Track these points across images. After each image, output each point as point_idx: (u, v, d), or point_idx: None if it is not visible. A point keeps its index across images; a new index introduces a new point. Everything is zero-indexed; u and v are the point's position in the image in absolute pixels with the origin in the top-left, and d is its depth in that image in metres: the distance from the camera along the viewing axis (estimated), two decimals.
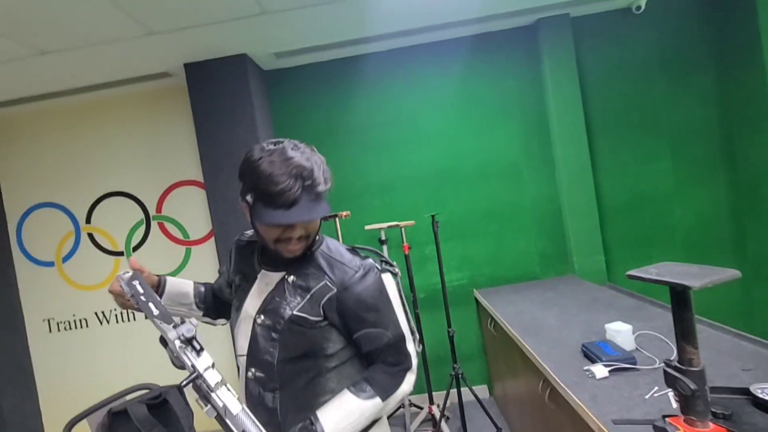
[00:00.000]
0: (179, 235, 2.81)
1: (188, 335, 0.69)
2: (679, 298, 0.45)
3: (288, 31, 2.17)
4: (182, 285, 1.06)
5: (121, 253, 2.83)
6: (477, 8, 2.27)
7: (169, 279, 1.03)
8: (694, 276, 0.43)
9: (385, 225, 2.26)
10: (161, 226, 2.82)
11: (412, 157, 2.66)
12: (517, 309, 2.10)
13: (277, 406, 0.87)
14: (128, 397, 1.18)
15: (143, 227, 2.82)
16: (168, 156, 2.76)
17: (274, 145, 0.82)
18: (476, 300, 2.61)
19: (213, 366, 0.69)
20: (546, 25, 2.51)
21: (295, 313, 0.85)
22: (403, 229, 2.29)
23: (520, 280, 2.66)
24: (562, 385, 1.27)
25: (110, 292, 0.88)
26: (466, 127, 2.66)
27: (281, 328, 0.85)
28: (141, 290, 0.79)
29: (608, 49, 2.61)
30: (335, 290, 0.86)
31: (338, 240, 2.24)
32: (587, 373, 1.30)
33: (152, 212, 2.81)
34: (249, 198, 0.80)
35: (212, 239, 2.72)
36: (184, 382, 0.67)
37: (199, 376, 0.66)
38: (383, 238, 2.28)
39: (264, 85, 2.62)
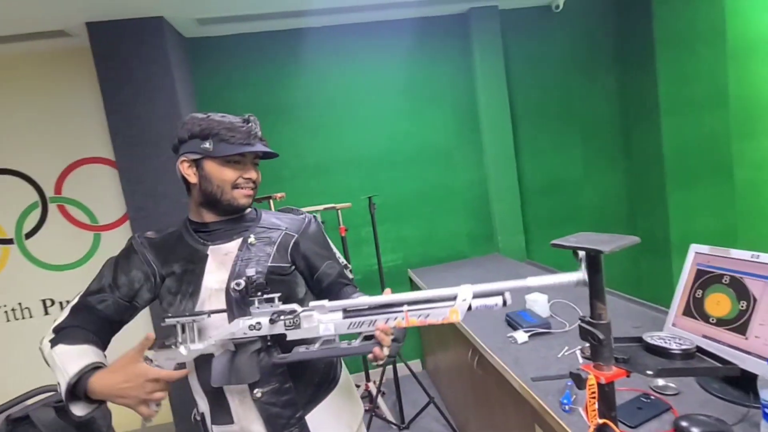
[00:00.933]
0: (85, 220, 2.50)
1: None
2: (593, 261, 0.51)
3: None
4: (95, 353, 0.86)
5: (10, 241, 2.45)
6: None
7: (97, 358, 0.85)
8: (605, 242, 0.49)
9: (321, 207, 2.23)
10: (62, 210, 2.48)
11: (349, 139, 2.64)
12: (448, 285, 2.20)
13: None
14: (32, 401, 1.06)
15: (38, 211, 2.46)
16: (69, 129, 2.42)
17: (211, 113, 0.91)
18: (410, 279, 2.71)
19: None
20: (477, 15, 2.61)
21: (270, 264, 0.91)
22: (339, 211, 2.28)
23: (451, 259, 2.81)
24: (489, 351, 1.39)
25: (168, 379, 0.78)
26: (402, 110, 2.69)
27: (265, 281, 0.89)
28: (179, 339, 0.80)
29: (531, 43, 2.80)
30: (296, 236, 0.98)
31: None
32: (510, 339, 1.42)
33: (49, 194, 2.46)
34: (207, 145, 0.86)
35: (127, 224, 2.46)
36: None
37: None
38: (320, 220, 2.25)
39: (185, 55, 2.40)
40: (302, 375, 0.94)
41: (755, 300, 0.93)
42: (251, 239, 0.93)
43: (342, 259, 1.09)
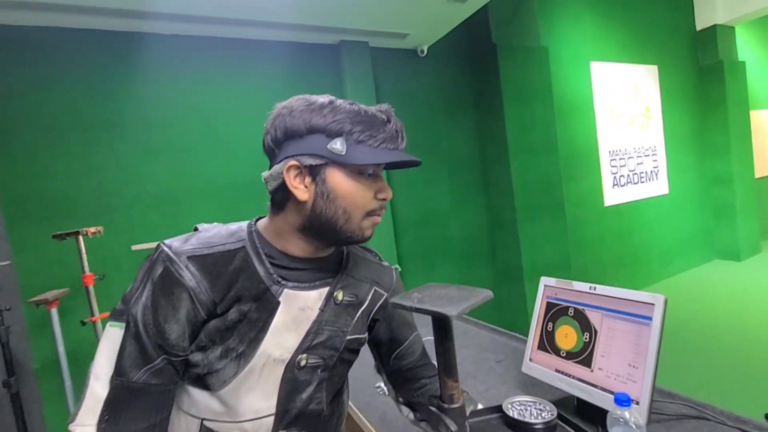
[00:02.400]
0: None
1: None
2: (440, 326, 0.38)
3: None
4: None
5: None
6: (283, 12, 2.15)
7: None
8: (453, 301, 0.36)
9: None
10: None
11: (206, 165, 2.29)
12: None
13: None
14: None
15: None
16: None
17: (335, 98, 0.62)
18: None
19: None
20: (348, 48, 2.61)
21: (349, 337, 0.67)
22: None
23: None
24: (355, 409, 1.21)
25: None
26: None
27: (333, 363, 0.67)
28: None
29: (401, 82, 2.92)
30: (385, 295, 0.73)
31: (83, 262, 1.68)
32: (378, 389, 1.28)
33: None
34: (338, 145, 0.56)
35: None
36: None
37: None
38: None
39: None
40: None
41: (596, 331, 0.97)
42: (338, 293, 0.65)
43: None
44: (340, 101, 0.60)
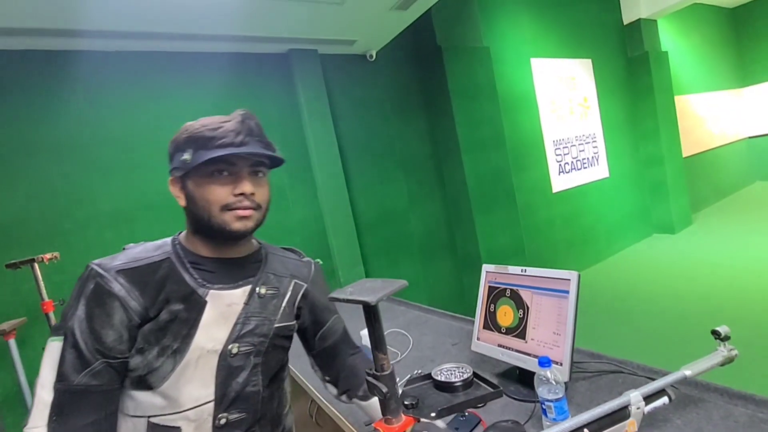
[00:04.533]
0: None
1: None
2: (368, 312, 0.48)
3: None
4: None
5: None
6: (229, 25, 2.18)
7: None
8: (375, 291, 0.47)
9: None
10: None
11: (159, 180, 2.28)
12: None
13: None
14: None
15: None
16: None
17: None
18: None
19: None
20: (297, 57, 2.67)
21: (277, 325, 0.77)
22: None
23: None
24: (325, 401, 1.30)
25: None
26: None
27: (265, 349, 0.76)
28: None
29: (352, 87, 3.01)
30: (305, 286, 0.84)
31: (40, 289, 1.66)
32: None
33: None
34: (187, 155, 0.68)
35: None
36: None
37: None
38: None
39: None
40: None
41: (528, 308, 1.11)
42: (260, 289, 0.76)
43: None
44: (205, 119, 0.72)
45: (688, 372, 0.85)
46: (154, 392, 0.69)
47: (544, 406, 0.88)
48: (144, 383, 0.69)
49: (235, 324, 0.73)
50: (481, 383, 0.57)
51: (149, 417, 0.69)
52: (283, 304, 0.80)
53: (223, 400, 0.72)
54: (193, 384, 0.70)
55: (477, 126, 3.34)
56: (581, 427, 0.73)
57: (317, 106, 2.73)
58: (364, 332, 1.63)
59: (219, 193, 0.69)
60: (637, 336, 2.85)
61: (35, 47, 1.97)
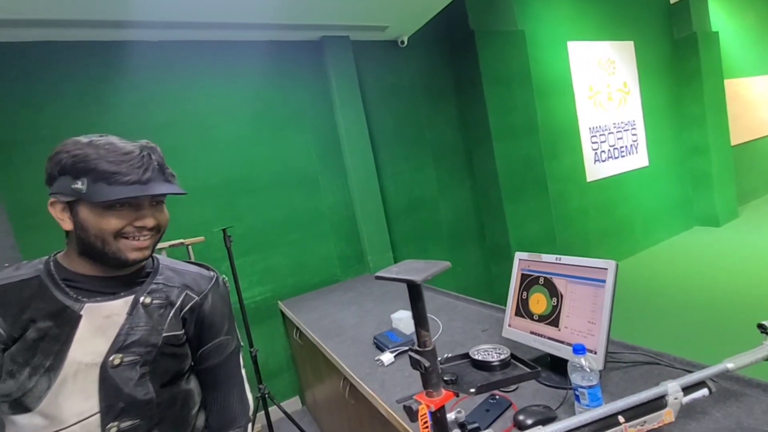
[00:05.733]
0: None
1: None
2: (412, 290, 0.51)
3: None
4: None
5: None
6: (263, 14, 2.22)
7: None
8: (419, 271, 0.49)
9: (167, 244, 1.94)
10: None
11: (199, 165, 2.38)
12: (319, 314, 2.15)
13: None
14: None
15: None
16: None
17: (97, 136, 0.70)
18: (281, 312, 2.55)
19: None
20: (330, 44, 2.68)
21: (165, 334, 0.75)
22: (190, 246, 2.02)
23: (324, 284, 2.75)
24: (357, 378, 1.36)
25: None
26: (260, 134, 2.56)
27: (153, 358, 0.74)
28: None
29: (383, 73, 3.01)
30: (196, 298, 0.81)
31: None
32: (377, 362, 1.42)
33: None
34: (80, 184, 0.64)
35: None
36: None
37: None
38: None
39: None
40: None
41: (562, 296, 1.11)
42: (145, 299, 0.74)
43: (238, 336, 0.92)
44: (98, 141, 0.68)
45: (730, 365, 0.84)
46: (33, 413, 0.67)
47: (577, 393, 0.89)
48: (21, 406, 0.67)
49: (118, 335, 0.71)
50: (518, 364, 0.59)
51: None
52: (170, 314, 0.77)
53: (110, 411, 0.70)
54: (73, 399, 0.68)
55: (509, 112, 3.27)
56: (616, 414, 0.74)
57: (348, 92, 2.75)
58: (395, 315, 1.67)
59: (116, 224, 0.68)
60: (673, 329, 2.76)
61: (89, 38, 2.08)
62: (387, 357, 1.41)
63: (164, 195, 0.71)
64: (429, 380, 0.53)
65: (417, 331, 0.52)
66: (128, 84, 2.20)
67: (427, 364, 0.51)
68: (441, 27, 3.21)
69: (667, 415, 0.77)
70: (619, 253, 4.33)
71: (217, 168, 2.43)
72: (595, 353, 0.98)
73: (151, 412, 0.74)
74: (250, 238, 2.51)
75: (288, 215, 2.65)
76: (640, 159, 4.62)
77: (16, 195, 1.97)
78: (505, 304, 1.73)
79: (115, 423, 0.71)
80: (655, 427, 0.75)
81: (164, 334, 0.75)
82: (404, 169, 3.09)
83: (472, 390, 0.51)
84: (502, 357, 0.58)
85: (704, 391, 0.82)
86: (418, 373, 1.27)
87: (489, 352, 0.61)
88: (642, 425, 0.74)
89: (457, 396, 0.55)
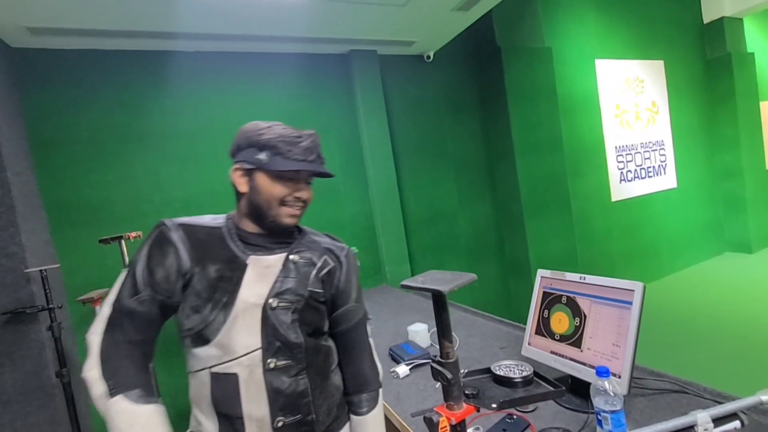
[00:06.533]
0: None
1: None
2: (437, 300, 0.51)
3: (45, 1, 1.70)
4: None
5: None
6: (295, 27, 2.30)
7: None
8: (446, 282, 0.49)
9: None
10: None
11: (227, 170, 2.45)
12: None
13: (307, 387, 0.86)
14: None
15: None
16: None
17: (272, 123, 0.85)
18: None
19: None
20: (357, 57, 2.74)
21: (309, 288, 0.87)
22: None
23: None
24: None
25: None
26: None
27: (301, 306, 0.85)
28: None
29: (408, 86, 3.04)
30: (333, 264, 0.91)
31: (125, 263, 1.85)
32: (392, 374, 1.41)
33: None
34: (263, 155, 0.81)
35: None
36: None
37: None
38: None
39: (9, 66, 1.97)
40: (324, 407, 0.90)
41: (585, 316, 1.09)
42: (294, 257, 0.88)
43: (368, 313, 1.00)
44: (277, 126, 0.83)
45: (764, 397, 0.80)
46: (211, 344, 0.80)
47: (599, 417, 0.86)
48: (202, 338, 0.81)
49: (275, 282, 0.84)
50: (541, 382, 0.58)
51: (210, 368, 0.81)
52: (313, 273, 0.89)
53: (269, 347, 0.82)
54: (242, 333, 0.81)
55: (533, 128, 3.24)
56: None
57: (373, 105, 2.79)
58: (412, 327, 1.66)
59: (282, 191, 0.83)
60: (702, 359, 2.63)
61: (128, 48, 2.20)
62: (402, 369, 1.40)
63: (319, 174, 0.86)
64: (450, 392, 0.52)
65: (440, 342, 0.52)
66: (164, 92, 2.30)
67: (449, 376, 0.51)
68: (467, 42, 3.24)
69: None
70: (644, 276, 4.19)
71: None
72: (620, 377, 0.95)
73: (300, 355, 0.85)
74: None
75: (309, 224, 2.67)
76: (668, 180, 4.49)
77: (54, 193, 2.07)
78: (523, 322, 1.71)
79: (273, 359, 0.82)
80: None
81: (309, 288, 0.87)
82: (425, 182, 3.10)
83: (494, 405, 0.51)
84: (525, 374, 0.57)
85: (736, 424, 0.78)
86: (432, 387, 1.26)
87: (511, 368, 0.60)
88: None
89: (478, 411, 0.54)
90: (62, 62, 2.09)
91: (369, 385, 0.96)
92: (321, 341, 0.91)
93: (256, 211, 0.84)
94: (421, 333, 1.63)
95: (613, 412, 0.84)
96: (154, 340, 0.82)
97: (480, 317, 1.91)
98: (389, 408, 1.22)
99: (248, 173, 0.84)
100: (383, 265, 2.86)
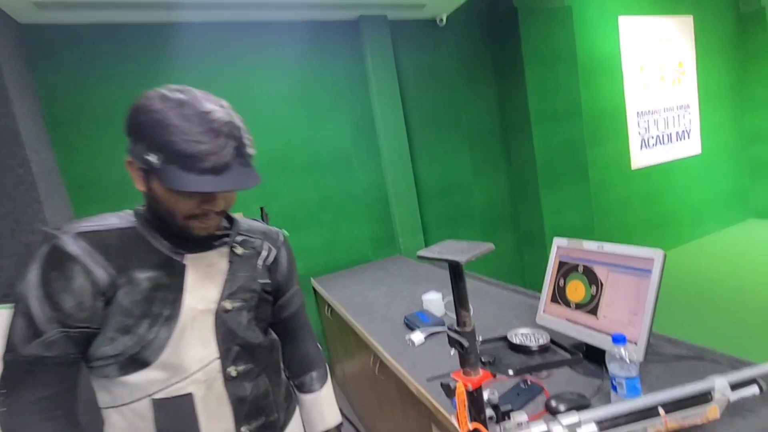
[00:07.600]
0: None
1: None
2: (454, 271, 0.51)
3: None
4: None
5: None
6: None
7: None
8: (463, 252, 0.49)
9: None
10: None
11: None
12: (351, 292, 2.20)
13: (268, 386, 0.81)
14: None
15: None
16: None
17: (181, 93, 0.63)
18: (314, 289, 2.62)
19: None
20: (367, 23, 2.65)
21: (260, 281, 0.79)
22: None
23: (355, 263, 2.80)
24: (388, 356, 1.39)
25: None
26: (297, 115, 2.60)
27: (255, 303, 0.78)
28: None
29: (420, 53, 2.94)
30: (275, 250, 0.85)
31: None
32: (408, 342, 1.45)
33: None
34: (154, 159, 0.59)
35: None
36: None
37: None
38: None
39: (19, 43, 1.97)
40: (282, 402, 0.87)
41: (602, 284, 1.08)
42: (239, 249, 0.78)
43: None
44: (175, 109, 0.60)
45: None
46: (151, 367, 0.66)
47: (614, 383, 0.87)
48: (137, 362, 0.66)
49: (225, 282, 0.74)
50: (558, 349, 0.58)
51: (152, 395, 0.67)
52: (260, 263, 0.81)
53: (228, 355, 0.73)
54: (194, 346, 0.69)
55: (551, 95, 3.12)
56: (656, 406, 0.72)
57: (384, 73, 2.72)
58: (426, 296, 1.68)
59: (186, 205, 0.65)
60: (720, 327, 2.61)
61: (138, 20, 2.17)
62: (418, 337, 1.43)
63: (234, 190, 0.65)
64: (467, 359, 0.53)
65: (457, 311, 0.53)
66: (173, 65, 2.28)
67: (466, 343, 0.51)
68: (482, 4, 3.08)
69: (711, 412, 0.74)
70: (663, 243, 4.11)
71: (255, 146, 2.48)
72: (636, 344, 0.95)
73: (260, 356, 0.79)
74: (285, 217, 2.58)
75: (322, 195, 2.70)
76: (692, 146, 4.32)
77: (74, 170, 2.11)
78: (537, 292, 1.71)
79: (233, 366, 0.73)
80: (699, 423, 0.73)
81: (259, 281, 0.79)
82: (438, 152, 3.05)
83: (511, 372, 0.52)
84: (541, 342, 0.57)
85: (754, 389, 0.78)
86: (447, 354, 1.28)
87: (528, 336, 0.61)
88: (683, 419, 0.72)
89: (494, 377, 0.55)
90: (72, 38, 2.08)
91: (316, 364, 0.95)
92: (272, 336, 0.87)
93: (159, 217, 0.68)
94: (435, 301, 1.65)
95: (628, 378, 0.85)
96: (76, 388, 0.64)
97: (494, 286, 1.92)
98: (405, 374, 1.25)
99: (143, 173, 0.65)
100: (397, 235, 2.87)
